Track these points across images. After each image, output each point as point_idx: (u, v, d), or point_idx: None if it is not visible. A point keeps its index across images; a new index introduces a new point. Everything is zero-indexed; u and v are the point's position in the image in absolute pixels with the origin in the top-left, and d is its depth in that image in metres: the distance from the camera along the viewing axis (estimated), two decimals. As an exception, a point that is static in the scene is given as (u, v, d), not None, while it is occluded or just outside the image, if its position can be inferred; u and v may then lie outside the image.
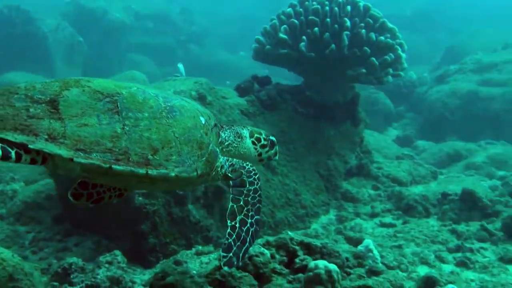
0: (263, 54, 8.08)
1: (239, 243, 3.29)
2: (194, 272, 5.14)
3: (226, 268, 3.21)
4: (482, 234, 6.68)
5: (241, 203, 3.49)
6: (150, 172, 3.10)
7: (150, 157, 3.12)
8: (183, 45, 24.30)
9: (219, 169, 3.66)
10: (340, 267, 4.61)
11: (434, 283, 4.39)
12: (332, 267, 4.12)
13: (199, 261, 5.76)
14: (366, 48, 7.50)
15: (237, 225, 3.36)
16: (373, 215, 7.79)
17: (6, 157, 2.68)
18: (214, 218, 6.58)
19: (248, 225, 3.40)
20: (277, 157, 4.31)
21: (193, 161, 3.35)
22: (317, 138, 8.20)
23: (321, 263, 4.14)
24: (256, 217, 3.47)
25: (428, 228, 7.04)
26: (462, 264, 5.85)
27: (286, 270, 4.34)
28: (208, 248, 6.06)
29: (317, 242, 4.69)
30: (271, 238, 4.66)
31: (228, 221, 3.38)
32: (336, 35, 7.57)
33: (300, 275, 4.22)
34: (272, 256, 4.42)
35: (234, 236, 3.31)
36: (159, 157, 3.17)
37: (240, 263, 3.30)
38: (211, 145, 3.55)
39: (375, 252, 5.05)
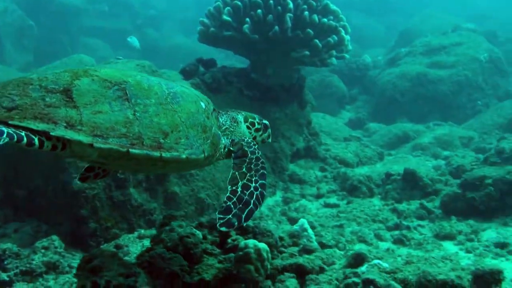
0: (208, 37, 8.04)
1: (240, 205, 3.37)
2: (135, 255, 5.15)
3: (223, 228, 3.25)
4: (421, 212, 6.86)
5: (244, 170, 3.62)
6: (164, 154, 3.26)
7: (161, 140, 3.28)
8: (140, 29, 23.95)
9: (222, 150, 3.85)
10: (273, 246, 4.68)
11: (363, 259, 4.48)
12: (262, 246, 4.17)
13: (141, 245, 5.76)
14: (309, 30, 7.53)
15: (239, 189, 3.46)
16: (318, 196, 7.91)
17: (30, 144, 2.83)
18: (157, 202, 6.56)
19: (252, 188, 3.49)
20: (270, 140, 4.51)
21: (200, 143, 3.51)
22: (263, 121, 8.22)
23: (251, 242, 4.18)
24: (260, 181, 3.58)
25: (370, 208, 7.18)
26: (399, 241, 5.99)
27: (218, 250, 4.36)
28: (151, 232, 6.03)
29: (250, 222, 4.72)
30: (204, 219, 4.68)
31: (229, 187, 3.50)
32: (280, 17, 7.58)
33: (231, 254, 4.24)
34: (204, 237, 4.44)
35: (234, 199, 3.40)
36: (170, 140, 3.33)
37: (244, 224, 3.36)
38: (213, 128, 3.73)
39: (310, 231, 5.13)
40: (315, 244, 5.04)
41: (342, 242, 5.81)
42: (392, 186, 7.70)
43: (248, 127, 4.22)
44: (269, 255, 4.24)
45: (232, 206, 3.35)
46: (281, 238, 4.99)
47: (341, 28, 7.86)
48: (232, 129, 4.06)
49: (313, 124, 9.57)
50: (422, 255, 4.70)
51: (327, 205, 7.52)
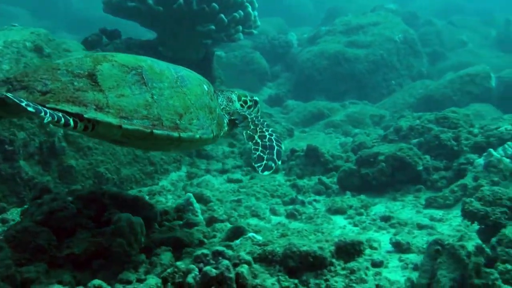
0: (112, 7, 7.84)
1: (268, 150, 3.78)
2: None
3: (266, 172, 3.71)
4: (319, 188, 6.99)
5: (252, 127, 4.02)
6: (182, 135, 3.54)
7: (178, 121, 3.55)
8: (66, -2, 23.12)
9: (225, 129, 4.17)
10: (153, 220, 4.66)
11: (242, 233, 4.53)
12: (136, 219, 4.15)
13: (31, 219, 5.58)
14: (214, 4, 7.48)
15: (259, 140, 3.86)
16: (223, 171, 7.91)
17: (66, 124, 3.09)
18: (51, 175, 6.38)
19: (268, 135, 3.91)
20: (259, 114, 4.71)
21: (209, 124, 3.80)
22: (169, 95, 8.13)
23: (124, 216, 4.15)
24: (270, 129, 4.01)
25: (270, 183, 7.23)
26: (291, 215, 6.07)
27: (92, 224, 4.30)
28: (42, 206, 5.86)
29: (130, 196, 4.68)
30: (84, 192, 4.59)
31: (250, 143, 3.90)
32: (185, -11, 7.47)
33: (106, 228, 4.19)
34: (80, 211, 4.35)
35: (260, 148, 3.80)
36: (184, 121, 3.59)
37: (279, 162, 3.81)
38: (217, 109, 4.05)
39: (196, 205, 5.14)
40: (199, 218, 5.05)
41: (234, 217, 5.82)
42: (295, 162, 7.80)
43: (241, 105, 4.51)
44: (143, 229, 4.21)
45: (261, 154, 3.75)
46: (165, 212, 4.97)
47: (248, 4, 7.84)
48: (228, 109, 4.36)
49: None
50: (297, 227, 4.79)
51: (230, 180, 7.52)
